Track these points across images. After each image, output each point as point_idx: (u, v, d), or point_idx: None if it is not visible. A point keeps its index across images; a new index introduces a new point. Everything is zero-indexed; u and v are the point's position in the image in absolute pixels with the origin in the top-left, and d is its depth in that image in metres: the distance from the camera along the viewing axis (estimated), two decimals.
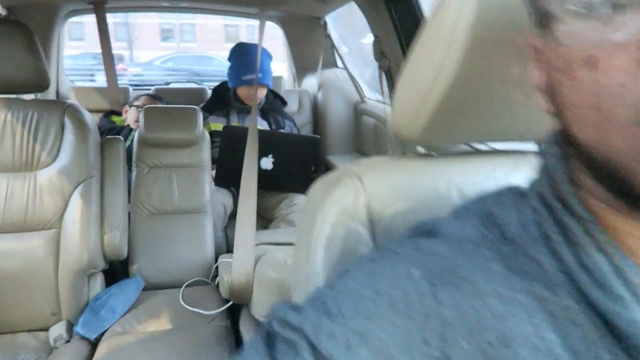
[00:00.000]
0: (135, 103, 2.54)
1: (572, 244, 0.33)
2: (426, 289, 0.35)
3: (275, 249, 1.55)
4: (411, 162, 0.63)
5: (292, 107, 2.81)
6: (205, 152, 1.91)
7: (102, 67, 2.55)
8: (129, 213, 1.73)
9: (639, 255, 0.31)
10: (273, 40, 3.12)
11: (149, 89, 2.92)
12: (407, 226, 0.47)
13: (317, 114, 2.88)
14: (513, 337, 0.32)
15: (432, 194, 0.58)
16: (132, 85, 3.07)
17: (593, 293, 0.31)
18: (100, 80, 3.85)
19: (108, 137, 1.66)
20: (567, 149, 0.35)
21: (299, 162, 2.12)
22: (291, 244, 1.60)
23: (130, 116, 2.48)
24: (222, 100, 2.46)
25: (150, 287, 1.70)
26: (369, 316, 0.36)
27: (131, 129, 2.40)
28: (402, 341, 0.34)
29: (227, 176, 2.10)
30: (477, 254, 0.37)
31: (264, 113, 2.47)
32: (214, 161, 2.21)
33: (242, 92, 2.37)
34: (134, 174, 1.84)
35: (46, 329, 1.46)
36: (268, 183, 2.15)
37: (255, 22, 3.00)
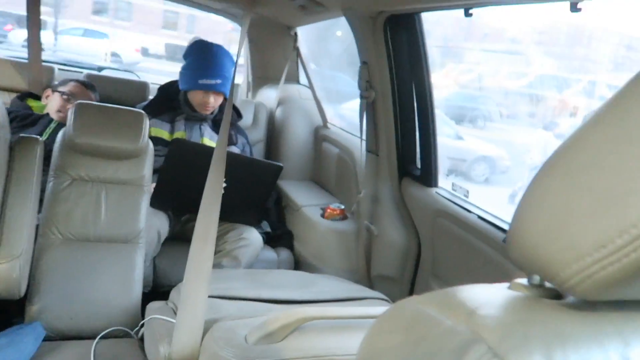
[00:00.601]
0: (61, 88, 2.11)
1: None
2: None
3: (227, 305, 1.25)
4: (574, 320, 0.39)
5: (246, 120, 2.51)
6: (146, 169, 1.55)
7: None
8: (36, 236, 1.34)
9: None
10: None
11: (81, 73, 2.49)
12: None
13: (273, 131, 2.59)
14: None
15: None
16: (59, 63, 2.60)
17: None
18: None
19: (22, 135, 1.28)
20: None
21: (255, 191, 1.83)
22: (247, 299, 1.31)
23: (53, 103, 2.05)
24: (169, 103, 2.11)
25: (54, 336, 1.31)
26: None
27: (51, 120, 1.97)
28: None
29: (167, 198, 1.76)
30: None
31: (216, 124, 2.16)
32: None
33: (195, 97, 2.04)
34: (50, 185, 1.45)
35: None
36: None
37: (198, 12, 2.66)
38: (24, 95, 2.14)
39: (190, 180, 1.50)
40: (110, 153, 1.48)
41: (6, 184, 1.22)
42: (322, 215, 2.03)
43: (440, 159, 1.70)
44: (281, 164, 1.88)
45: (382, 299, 1.42)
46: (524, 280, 0.47)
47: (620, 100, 0.39)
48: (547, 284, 0.45)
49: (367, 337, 0.46)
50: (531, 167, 4.33)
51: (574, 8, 1.09)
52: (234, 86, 1.77)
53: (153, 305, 1.32)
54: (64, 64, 2.71)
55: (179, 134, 2.06)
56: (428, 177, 1.70)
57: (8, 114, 1.90)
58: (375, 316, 0.49)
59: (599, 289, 0.38)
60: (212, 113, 2.12)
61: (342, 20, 1.82)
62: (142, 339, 1.33)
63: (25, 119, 1.95)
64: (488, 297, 0.45)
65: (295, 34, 2.53)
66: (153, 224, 1.70)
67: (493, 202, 2.64)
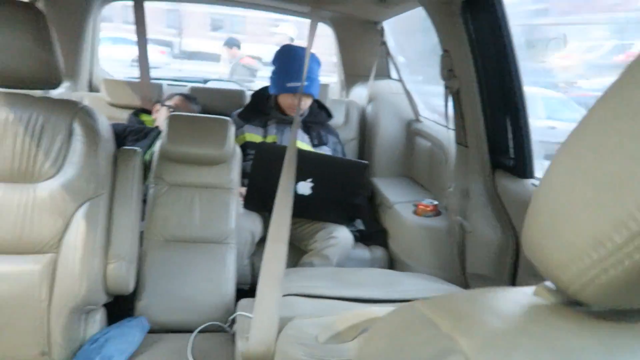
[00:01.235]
0: (167, 102, 2.31)
1: None
2: None
3: (305, 303, 1.28)
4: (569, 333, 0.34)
5: (337, 119, 2.53)
6: (234, 172, 1.64)
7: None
8: (141, 239, 1.48)
9: None
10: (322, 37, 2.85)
11: (185, 86, 2.70)
12: None
13: (365, 129, 2.58)
14: None
15: None
16: (167, 80, 2.86)
17: None
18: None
19: (124, 147, 1.43)
20: None
21: (341, 190, 1.83)
22: (326, 298, 1.32)
23: (161, 117, 2.26)
24: (260, 107, 2.20)
25: (157, 329, 1.45)
26: None
27: (159, 132, 2.17)
28: None
29: (259, 199, 1.84)
30: None
31: (306, 126, 2.20)
32: (245, 175, 1.96)
33: (284, 100, 2.11)
34: (150, 191, 1.60)
35: None
36: (304, 210, 1.87)
37: (304, 20, 2.75)
38: (138, 111, 2.39)
39: (277, 182, 1.56)
40: (200, 160, 1.59)
41: (112, 193, 1.37)
42: (414, 212, 1.98)
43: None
44: (366, 162, 1.87)
45: None
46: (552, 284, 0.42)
47: (624, 79, 0.33)
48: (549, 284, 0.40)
49: (364, 340, 0.44)
50: None
51: None
52: (317, 87, 1.78)
53: (242, 302, 1.39)
54: (171, 79, 2.97)
55: (271, 137, 2.14)
56: (522, 167, 1.56)
57: (124, 129, 2.15)
58: None
59: (608, 296, 0.33)
60: (301, 115, 2.18)
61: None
62: (234, 336, 1.41)
63: (138, 132, 2.17)
64: (496, 302, 0.41)
65: (382, 28, 2.49)
66: (246, 225, 1.79)
67: None
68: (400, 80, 2.46)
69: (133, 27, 2.19)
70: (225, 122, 1.62)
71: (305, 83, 2.03)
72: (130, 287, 1.39)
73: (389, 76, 2.70)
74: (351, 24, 2.64)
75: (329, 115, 2.30)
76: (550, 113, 3.89)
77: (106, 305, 1.38)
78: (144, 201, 1.59)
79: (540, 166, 1.59)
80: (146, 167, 1.89)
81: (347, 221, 1.98)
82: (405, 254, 1.96)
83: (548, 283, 0.42)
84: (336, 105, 2.55)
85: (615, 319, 0.36)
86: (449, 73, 1.66)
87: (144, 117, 2.36)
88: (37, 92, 1.38)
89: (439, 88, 1.74)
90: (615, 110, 0.33)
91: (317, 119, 2.24)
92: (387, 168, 2.43)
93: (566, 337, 0.34)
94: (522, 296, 0.42)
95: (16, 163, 1.23)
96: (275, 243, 1.18)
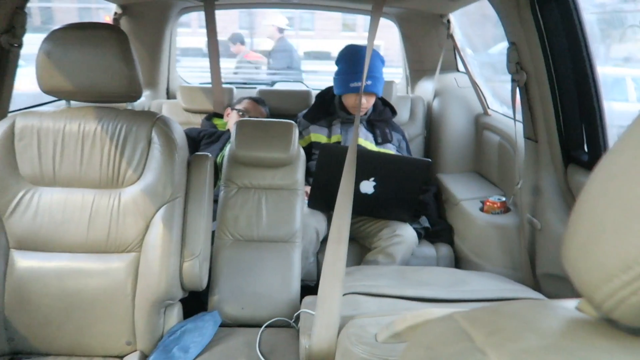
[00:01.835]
0: (237, 106, 2.42)
1: None
2: None
3: (367, 302, 1.30)
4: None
5: (403, 116, 2.51)
6: (299, 174, 1.70)
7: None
8: (213, 238, 1.58)
9: None
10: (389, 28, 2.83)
11: (254, 88, 2.81)
12: None
13: (432, 124, 2.54)
14: None
15: None
16: (236, 83, 2.98)
17: None
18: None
19: (196, 153, 1.52)
20: None
21: (404, 188, 1.83)
22: (389, 297, 1.34)
23: (232, 120, 2.37)
24: (326, 108, 2.24)
25: (229, 322, 1.54)
26: None
27: (230, 135, 2.28)
28: None
29: (322, 199, 1.89)
30: None
31: (370, 124, 2.22)
32: (311, 174, 2.01)
33: (348, 100, 2.13)
34: (221, 193, 1.69)
35: (121, 357, 1.37)
36: (367, 209, 1.89)
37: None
38: (211, 115, 2.52)
39: (339, 182, 1.59)
40: (267, 162, 1.66)
41: (186, 196, 1.47)
42: (481, 209, 1.93)
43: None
44: (429, 160, 1.85)
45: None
46: None
47: None
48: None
49: (404, 349, 0.46)
50: None
51: None
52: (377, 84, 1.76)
53: (307, 300, 1.44)
54: (241, 83, 3.09)
55: (336, 137, 2.18)
56: (598, 162, 1.48)
57: (199, 133, 2.28)
58: None
59: (639, 315, 0.33)
60: (365, 114, 2.19)
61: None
62: (299, 331, 1.46)
63: (211, 136, 2.29)
64: (534, 317, 0.41)
65: (448, 21, 2.43)
66: (311, 224, 1.84)
67: None
68: (467, 73, 2.39)
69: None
70: (289, 125, 1.68)
71: (368, 82, 2.04)
72: (204, 284, 1.48)
73: (456, 69, 2.64)
74: (416, 18, 2.60)
75: (394, 112, 2.30)
76: None
77: (182, 301, 1.49)
78: (216, 202, 1.69)
79: None
80: (218, 169, 2.00)
81: (411, 219, 1.97)
82: (471, 252, 1.92)
83: None
84: (401, 101, 2.53)
85: None
86: (516, 66, 1.61)
87: (217, 121, 2.49)
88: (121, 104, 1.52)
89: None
90: None
91: (382, 117, 2.24)
92: (454, 163, 2.39)
93: (597, 354, 0.35)
94: (563, 311, 0.43)
95: (104, 171, 1.36)
96: (336, 243, 1.22)
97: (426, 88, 2.65)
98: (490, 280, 1.52)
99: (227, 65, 4.11)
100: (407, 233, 1.87)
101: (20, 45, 1.51)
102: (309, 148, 2.18)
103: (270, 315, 1.53)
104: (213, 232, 1.60)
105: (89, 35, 1.28)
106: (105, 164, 1.36)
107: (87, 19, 1.44)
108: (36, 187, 1.36)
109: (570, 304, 0.44)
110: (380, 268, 1.74)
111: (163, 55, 2.72)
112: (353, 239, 1.98)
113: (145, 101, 2.60)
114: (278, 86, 3.14)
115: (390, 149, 2.18)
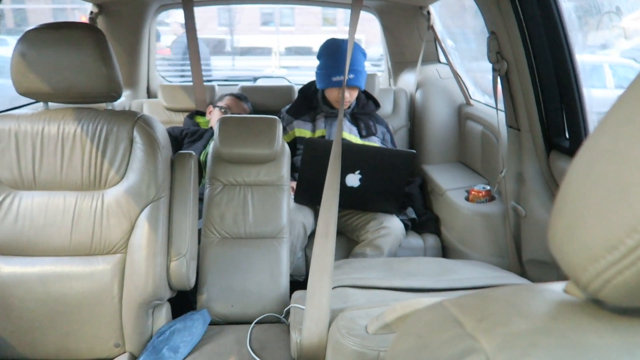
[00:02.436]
0: (219, 104, 2.40)
1: None
2: None
3: (357, 295, 1.30)
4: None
5: (386, 108, 2.52)
6: (284, 169, 1.69)
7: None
8: (199, 237, 1.56)
9: None
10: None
11: (236, 85, 2.79)
12: None
13: (415, 116, 2.55)
14: None
15: None
16: (218, 81, 2.96)
17: None
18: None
19: (180, 152, 1.51)
20: None
21: (390, 180, 1.84)
22: (378, 288, 1.34)
23: (214, 118, 2.36)
24: (309, 102, 2.24)
25: (218, 320, 1.53)
26: None
27: (213, 133, 2.26)
28: None
29: (308, 193, 1.88)
30: None
31: (354, 117, 2.22)
32: (296, 170, 2.01)
33: (331, 94, 2.13)
34: (206, 191, 1.68)
35: None
36: (353, 202, 1.90)
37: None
38: (193, 114, 2.49)
39: (325, 176, 1.59)
40: (251, 159, 1.65)
41: (170, 195, 1.45)
42: (467, 199, 1.95)
43: None
44: (414, 151, 1.86)
45: None
46: None
47: (638, 84, 0.33)
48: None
49: (395, 338, 0.46)
50: None
51: None
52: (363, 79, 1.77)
53: (297, 294, 1.44)
54: (222, 80, 3.06)
55: (320, 131, 2.17)
56: (579, 147, 1.50)
57: (181, 132, 2.25)
58: None
59: (624, 295, 0.33)
60: (349, 107, 2.19)
61: None
62: (289, 327, 1.46)
63: (194, 134, 2.27)
64: (522, 301, 0.41)
65: (428, 12, 2.44)
66: (298, 219, 1.84)
67: None
68: (449, 64, 2.41)
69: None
70: (273, 120, 1.67)
71: (351, 76, 2.04)
72: (192, 283, 1.47)
73: (438, 60, 2.65)
74: (396, 10, 2.60)
75: (377, 105, 2.30)
76: (620, 81, 3.68)
77: (170, 300, 1.47)
78: (201, 200, 1.68)
79: None
80: (202, 168, 1.98)
81: (398, 211, 1.98)
82: (458, 242, 1.93)
83: None
84: (384, 94, 2.54)
85: (638, 317, 0.36)
86: (496, 55, 1.62)
87: (199, 119, 2.46)
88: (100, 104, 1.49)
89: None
90: (628, 115, 0.33)
91: (365, 110, 2.24)
92: (438, 154, 2.40)
93: (587, 335, 0.35)
94: (551, 294, 0.43)
95: (86, 172, 1.34)
96: (324, 237, 1.22)
97: (408, 80, 2.66)
98: (477, 268, 1.54)
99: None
100: (394, 225, 1.87)
101: None
102: (294, 143, 2.17)
103: (260, 312, 1.52)
104: (199, 231, 1.59)
105: (65, 35, 1.25)
106: (87, 165, 1.34)
107: (62, 19, 1.40)
108: (16, 192, 1.33)
109: (557, 286, 0.44)
110: (369, 260, 1.75)
111: (142, 54, 2.68)
112: (340, 232, 1.98)
113: (125, 101, 2.56)
114: (260, 82, 3.12)
115: (374, 142, 2.18)
